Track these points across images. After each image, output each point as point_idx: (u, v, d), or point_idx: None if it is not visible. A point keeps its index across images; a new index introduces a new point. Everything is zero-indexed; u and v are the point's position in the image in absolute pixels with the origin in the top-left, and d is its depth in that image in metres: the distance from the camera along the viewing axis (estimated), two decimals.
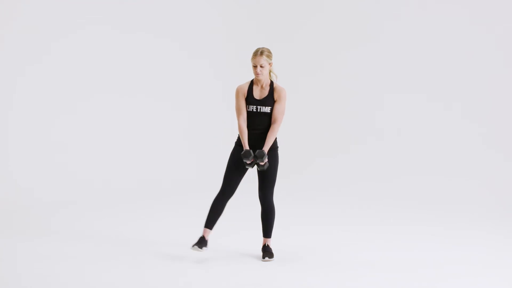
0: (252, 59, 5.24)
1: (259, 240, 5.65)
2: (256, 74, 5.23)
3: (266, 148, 5.23)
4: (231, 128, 9.79)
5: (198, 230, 6.22)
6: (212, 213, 5.36)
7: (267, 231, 5.43)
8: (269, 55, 5.25)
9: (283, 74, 10.24)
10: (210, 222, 5.37)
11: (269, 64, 5.25)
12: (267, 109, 5.27)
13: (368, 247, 5.97)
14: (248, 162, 5.20)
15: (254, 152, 5.22)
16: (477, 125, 9.05)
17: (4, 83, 8.13)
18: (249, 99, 5.29)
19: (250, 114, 5.30)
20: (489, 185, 8.58)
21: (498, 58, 9.00)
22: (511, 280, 5.01)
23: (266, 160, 5.19)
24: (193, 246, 5.28)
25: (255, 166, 5.26)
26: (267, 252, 5.40)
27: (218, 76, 10.13)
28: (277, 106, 5.28)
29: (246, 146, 5.26)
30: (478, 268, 5.30)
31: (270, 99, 5.28)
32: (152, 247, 5.72)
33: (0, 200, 7.53)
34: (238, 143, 5.37)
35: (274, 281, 4.85)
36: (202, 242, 5.30)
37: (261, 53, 5.20)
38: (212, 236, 5.53)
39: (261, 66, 5.21)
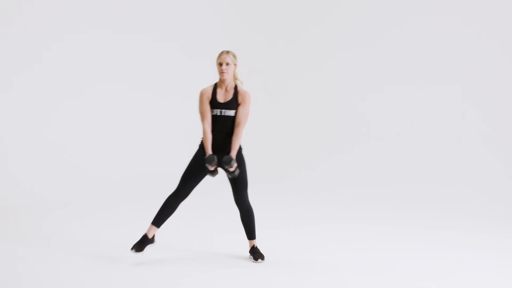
0: (218, 58, 5.27)
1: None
2: (222, 72, 5.23)
3: (233, 153, 5.18)
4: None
5: (191, 231, 6.25)
6: (163, 212, 5.29)
7: (250, 233, 5.39)
8: (235, 56, 5.29)
9: (282, 75, 10.31)
10: (159, 221, 5.29)
11: (234, 65, 5.28)
12: (231, 113, 5.24)
13: (366, 248, 5.95)
14: (211, 168, 5.14)
15: (218, 157, 5.16)
16: (477, 126, 9.06)
17: (4, 83, 8.13)
18: (213, 102, 5.26)
19: (214, 118, 5.25)
20: (488, 187, 8.60)
21: (498, 59, 9.00)
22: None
23: (235, 165, 5.14)
24: (132, 248, 5.20)
25: (212, 175, 5.17)
26: (256, 253, 5.36)
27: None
28: (241, 109, 5.24)
29: (209, 150, 5.19)
30: (484, 269, 5.30)
31: (234, 102, 5.26)
32: (151, 247, 5.70)
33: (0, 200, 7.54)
34: (202, 146, 5.30)
35: (272, 282, 4.84)
36: (143, 243, 5.22)
37: (227, 52, 5.26)
38: (211, 235, 5.46)
39: (226, 64, 5.22)
